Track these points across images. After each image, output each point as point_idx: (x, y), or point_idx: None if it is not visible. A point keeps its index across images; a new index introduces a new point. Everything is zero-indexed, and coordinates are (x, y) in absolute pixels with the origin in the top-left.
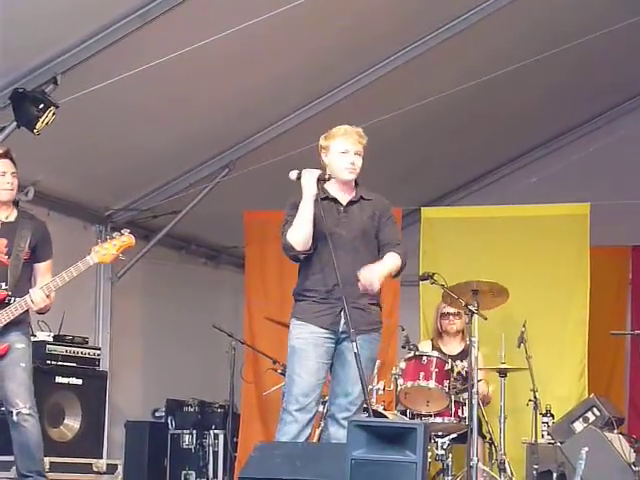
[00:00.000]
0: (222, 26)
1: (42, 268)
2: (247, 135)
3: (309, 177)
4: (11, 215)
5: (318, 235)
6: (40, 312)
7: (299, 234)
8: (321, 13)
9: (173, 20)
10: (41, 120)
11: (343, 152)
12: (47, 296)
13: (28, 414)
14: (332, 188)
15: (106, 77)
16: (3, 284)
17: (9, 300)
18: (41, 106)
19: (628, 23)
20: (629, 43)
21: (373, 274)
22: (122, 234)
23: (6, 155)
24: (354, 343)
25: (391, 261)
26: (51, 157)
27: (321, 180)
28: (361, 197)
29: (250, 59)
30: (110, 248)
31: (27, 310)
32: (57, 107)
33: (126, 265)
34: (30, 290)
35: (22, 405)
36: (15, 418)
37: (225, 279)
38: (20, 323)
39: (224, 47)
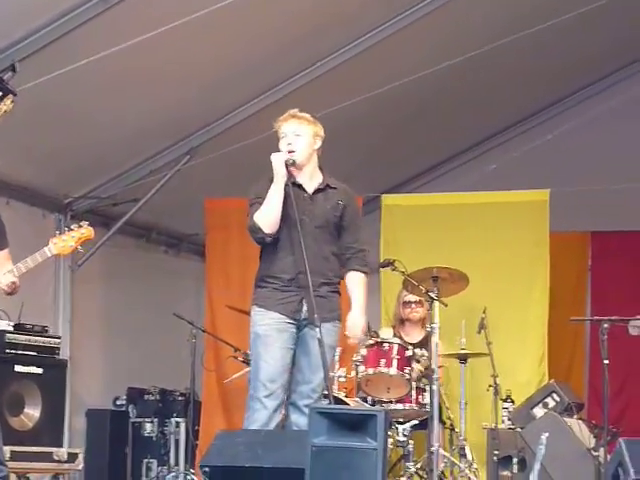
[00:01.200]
0: (179, 14)
1: (1, 257)
2: (208, 122)
3: (278, 159)
4: None
5: (282, 221)
6: (10, 294)
7: (268, 216)
8: (277, 2)
9: (132, 8)
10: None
11: (283, 136)
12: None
13: None
14: (296, 172)
15: (65, 64)
16: None
17: None
18: None
19: (590, 8)
20: (587, 28)
21: (358, 329)
22: (81, 226)
23: None
24: (317, 329)
25: (362, 294)
26: (10, 145)
27: (287, 163)
28: (327, 185)
29: (211, 45)
30: (69, 240)
31: None
32: (15, 95)
33: (86, 254)
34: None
35: None
36: None
37: (186, 267)
38: None
39: (182, 34)
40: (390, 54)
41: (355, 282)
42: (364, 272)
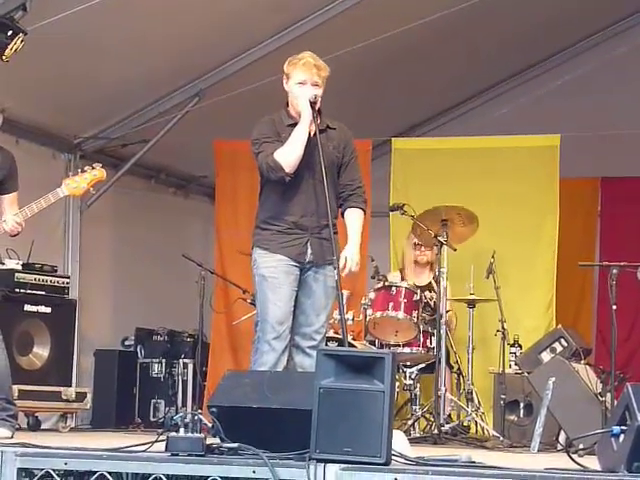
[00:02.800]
0: None
1: (9, 200)
2: (217, 64)
3: (304, 99)
4: None
5: None
6: (12, 235)
7: (291, 155)
8: None
9: None
10: (9, 47)
11: (300, 83)
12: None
13: None
14: (295, 115)
15: (76, 3)
16: None
17: None
18: (9, 33)
19: None
20: None
21: (353, 264)
22: (94, 167)
23: None
24: (335, 271)
25: (359, 230)
26: (20, 85)
27: (311, 101)
28: (327, 126)
29: None
30: (81, 181)
31: None
32: (26, 34)
33: (95, 194)
34: (5, 217)
35: None
36: None
37: (195, 209)
38: None
39: None
40: None
41: (353, 218)
42: (362, 209)
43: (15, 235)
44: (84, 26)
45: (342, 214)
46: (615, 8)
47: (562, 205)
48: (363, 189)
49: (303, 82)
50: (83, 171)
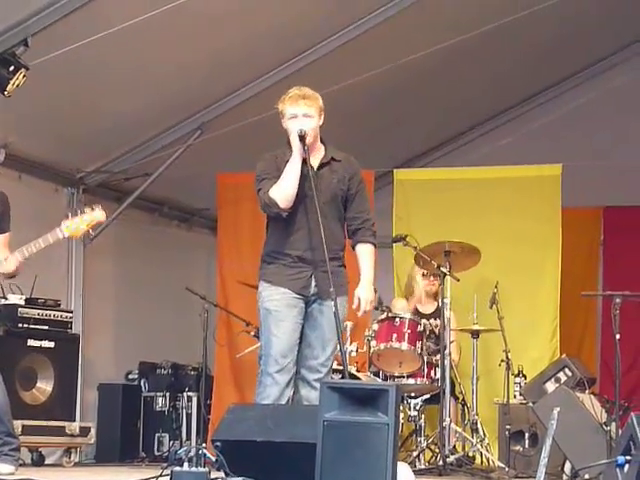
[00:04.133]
0: None
1: (2, 241)
2: (219, 97)
3: (294, 134)
4: None
5: None
6: (10, 277)
7: (285, 191)
8: None
9: None
10: (12, 82)
11: (292, 117)
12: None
13: None
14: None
15: (77, 39)
16: None
17: None
18: (12, 68)
19: None
20: (601, 2)
21: (367, 302)
22: (93, 209)
23: None
24: (332, 302)
25: (371, 266)
26: (22, 119)
27: (300, 135)
28: (332, 158)
29: (221, 21)
30: (80, 223)
31: None
32: (28, 69)
33: (98, 228)
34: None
35: None
36: None
37: (198, 241)
38: None
39: (195, 10)
40: (404, 27)
41: (364, 254)
42: (373, 243)
43: (12, 277)
44: (86, 61)
45: (352, 247)
46: (615, 38)
47: (565, 234)
48: (372, 221)
49: (294, 116)
50: (83, 212)
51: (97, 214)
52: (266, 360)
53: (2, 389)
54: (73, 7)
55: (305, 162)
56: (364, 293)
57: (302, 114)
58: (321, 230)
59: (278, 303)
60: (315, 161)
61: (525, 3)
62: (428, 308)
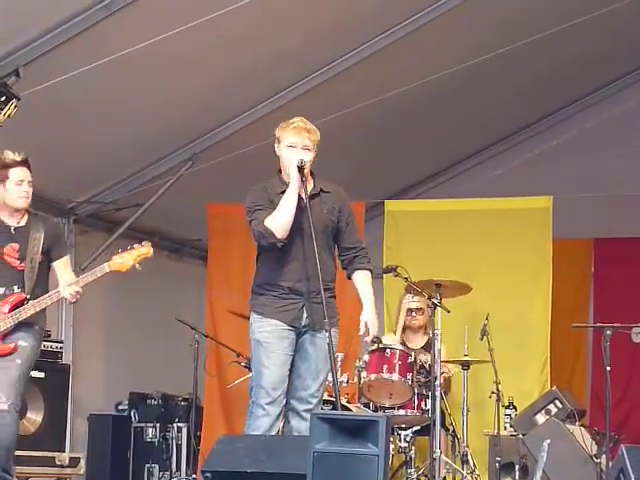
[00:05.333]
0: (182, 21)
1: (60, 265)
2: (210, 128)
3: (293, 164)
4: (22, 220)
5: None
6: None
7: (281, 221)
8: (282, 6)
9: (135, 14)
10: (3, 112)
11: (290, 145)
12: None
13: (6, 410)
14: (287, 180)
15: (69, 69)
16: (15, 287)
17: (26, 303)
18: (3, 98)
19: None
20: (590, 35)
21: (373, 327)
22: (142, 245)
23: (25, 163)
24: (327, 334)
25: (371, 291)
26: (13, 149)
27: (298, 165)
28: (321, 190)
29: (212, 52)
30: (128, 258)
31: (41, 313)
32: (19, 99)
33: (89, 258)
34: (61, 287)
35: (4, 400)
36: None
37: (188, 272)
38: (30, 325)
39: (186, 41)
40: (392, 61)
41: (363, 281)
42: (370, 270)
43: (74, 302)
44: (77, 91)
45: (349, 277)
46: (606, 71)
47: (555, 266)
48: (366, 250)
49: (293, 145)
50: (132, 248)
51: (144, 249)
52: (257, 392)
53: (14, 427)
54: (65, 37)
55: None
56: (371, 318)
57: (302, 146)
58: (316, 260)
59: (269, 335)
60: (305, 193)
61: (519, 35)
62: (416, 343)
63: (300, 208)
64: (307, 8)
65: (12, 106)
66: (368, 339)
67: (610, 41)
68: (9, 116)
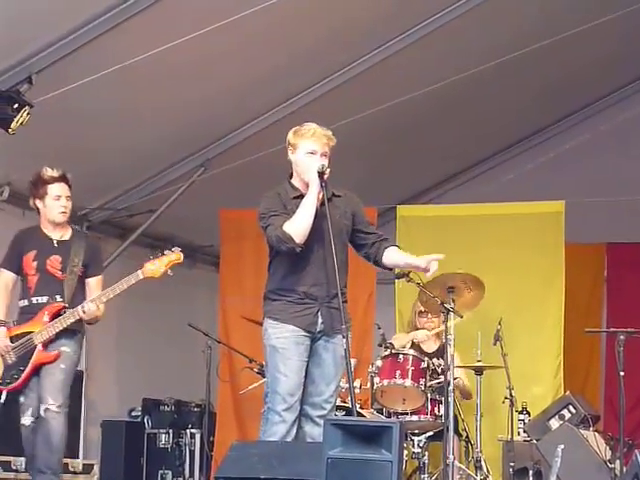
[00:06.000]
0: (195, 26)
1: (92, 283)
2: (222, 134)
3: (312, 170)
4: (66, 234)
5: None
6: (89, 323)
7: (301, 226)
8: (295, 12)
9: (148, 20)
10: (16, 120)
11: (310, 153)
12: (97, 308)
13: (56, 411)
14: (300, 186)
15: (81, 76)
16: (58, 297)
17: (65, 312)
18: (16, 106)
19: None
20: (604, 39)
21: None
22: (172, 251)
23: (63, 179)
24: (344, 340)
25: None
26: (26, 157)
27: (319, 170)
28: (333, 194)
29: (225, 59)
30: (160, 264)
31: (81, 321)
32: (32, 107)
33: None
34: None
35: (52, 402)
36: (43, 413)
37: (201, 278)
38: (73, 332)
39: (198, 47)
40: (405, 65)
41: (397, 251)
42: (397, 246)
43: (91, 323)
44: (90, 98)
45: (377, 259)
46: (619, 75)
47: (568, 271)
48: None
49: (313, 152)
50: (162, 254)
51: (175, 255)
52: (273, 398)
53: (63, 428)
54: (77, 45)
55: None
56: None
57: (321, 152)
58: (334, 265)
59: (285, 341)
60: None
61: (531, 40)
62: (429, 347)
63: (316, 214)
64: (318, 14)
65: (25, 113)
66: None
67: (622, 44)
68: (22, 124)
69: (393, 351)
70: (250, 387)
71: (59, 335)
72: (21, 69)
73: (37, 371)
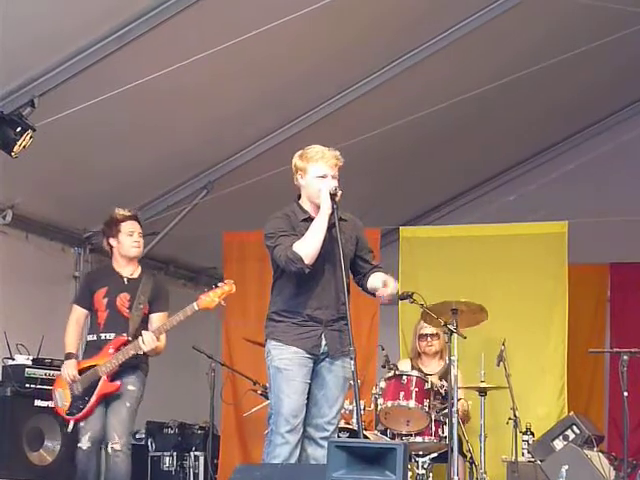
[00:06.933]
0: (199, 48)
1: (154, 318)
2: (225, 156)
3: (324, 191)
4: (135, 272)
5: None
6: (149, 355)
7: (311, 247)
8: (297, 34)
9: (150, 42)
10: (18, 143)
11: (321, 176)
12: (157, 339)
13: (120, 450)
14: (310, 209)
15: (84, 99)
16: (124, 334)
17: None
18: (18, 129)
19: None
20: (602, 60)
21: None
22: (225, 283)
23: (134, 217)
24: (352, 362)
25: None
26: (29, 180)
27: (331, 192)
28: (340, 218)
29: (228, 81)
30: (214, 296)
31: (145, 356)
32: (34, 130)
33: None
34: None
35: (117, 440)
36: (109, 450)
37: None
38: (137, 367)
39: (202, 69)
40: (407, 88)
41: (377, 275)
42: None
43: (152, 355)
44: (91, 121)
45: (361, 286)
46: (622, 95)
47: (571, 291)
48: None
49: (324, 176)
50: (216, 286)
51: (228, 287)
52: (277, 419)
53: (127, 465)
54: (80, 68)
55: (313, 221)
56: (386, 276)
57: (331, 175)
58: (344, 287)
59: (289, 362)
60: None
61: (532, 62)
62: (431, 369)
63: (324, 236)
64: (322, 36)
65: (27, 137)
66: (387, 292)
67: (626, 64)
68: (25, 147)
69: (397, 372)
70: (254, 409)
71: (124, 371)
72: (24, 92)
73: (101, 402)
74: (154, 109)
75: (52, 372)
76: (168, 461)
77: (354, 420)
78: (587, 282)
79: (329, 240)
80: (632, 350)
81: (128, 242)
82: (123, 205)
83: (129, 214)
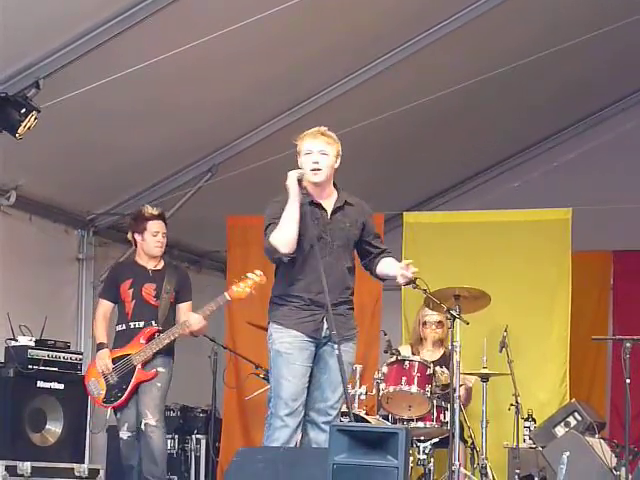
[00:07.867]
0: (205, 30)
1: (183, 308)
2: (230, 139)
3: (291, 177)
4: (159, 264)
5: (303, 240)
6: (195, 335)
7: (284, 236)
8: (304, 17)
9: (156, 24)
10: (23, 125)
11: (307, 153)
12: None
13: (155, 426)
14: (315, 191)
15: (88, 81)
16: (153, 322)
17: (159, 335)
18: (23, 110)
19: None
20: (608, 46)
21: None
22: (255, 274)
23: (160, 216)
24: (337, 346)
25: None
26: (33, 161)
27: (299, 178)
28: (345, 202)
29: (233, 63)
30: (245, 287)
31: (172, 343)
32: (39, 112)
33: (108, 269)
34: (189, 315)
35: (151, 417)
36: (143, 428)
37: (208, 283)
38: (166, 352)
39: (207, 51)
40: (412, 72)
41: (388, 261)
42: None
43: (196, 335)
44: (96, 103)
45: (371, 271)
46: (625, 83)
47: (574, 279)
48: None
49: (309, 151)
50: (246, 277)
51: (258, 277)
52: (276, 403)
53: (163, 440)
54: (85, 50)
55: (317, 205)
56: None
57: (318, 150)
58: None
59: (290, 346)
60: (329, 204)
61: (538, 47)
62: (432, 355)
63: (320, 220)
64: (327, 20)
65: (32, 118)
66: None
67: (629, 52)
68: (29, 128)
69: (399, 358)
70: (256, 393)
71: (154, 356)
72: (28, 74)
73: (135, 389)
74: (159, 92)
75: (55, 353)
76: (170, 444)
77: (355, 405)
78: (590, 270)
79: (326, 226)
80: (635, 337)
81: (152, 242)
82: (128, 188)
83: (157, 213)
